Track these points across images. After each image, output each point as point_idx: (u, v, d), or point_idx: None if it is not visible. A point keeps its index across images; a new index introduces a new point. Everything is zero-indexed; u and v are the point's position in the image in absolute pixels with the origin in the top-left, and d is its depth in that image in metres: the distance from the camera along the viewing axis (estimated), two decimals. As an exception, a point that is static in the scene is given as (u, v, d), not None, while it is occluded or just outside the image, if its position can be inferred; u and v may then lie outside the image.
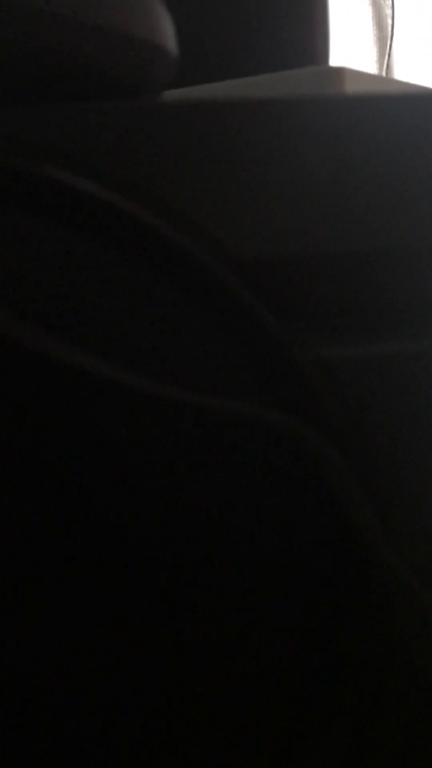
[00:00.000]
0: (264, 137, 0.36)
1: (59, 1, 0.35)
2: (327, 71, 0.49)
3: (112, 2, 0.36)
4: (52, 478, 0.33)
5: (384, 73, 1.22)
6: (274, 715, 0.35)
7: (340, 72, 0.48)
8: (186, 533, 0.34)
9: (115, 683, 0.34)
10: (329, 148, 0.37)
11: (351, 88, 0.48)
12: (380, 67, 1.26)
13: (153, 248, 0.33)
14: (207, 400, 0.32)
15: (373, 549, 0.33)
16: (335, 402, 0.34)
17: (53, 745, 0.34)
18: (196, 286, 0.34)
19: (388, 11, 1.18)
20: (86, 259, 0.33)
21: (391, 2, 1.18)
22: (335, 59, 1.33)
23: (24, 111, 0.34)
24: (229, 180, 0.35)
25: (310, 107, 0.37)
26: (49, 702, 0.33)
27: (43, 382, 0.33)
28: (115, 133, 0.35)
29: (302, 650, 0.35)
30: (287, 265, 0.35)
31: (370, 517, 0.33)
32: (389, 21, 1.24)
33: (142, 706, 0.34)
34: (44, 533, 0.33)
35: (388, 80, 0.47)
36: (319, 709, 0.35)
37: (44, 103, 0.37)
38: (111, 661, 0.34)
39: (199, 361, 0.34)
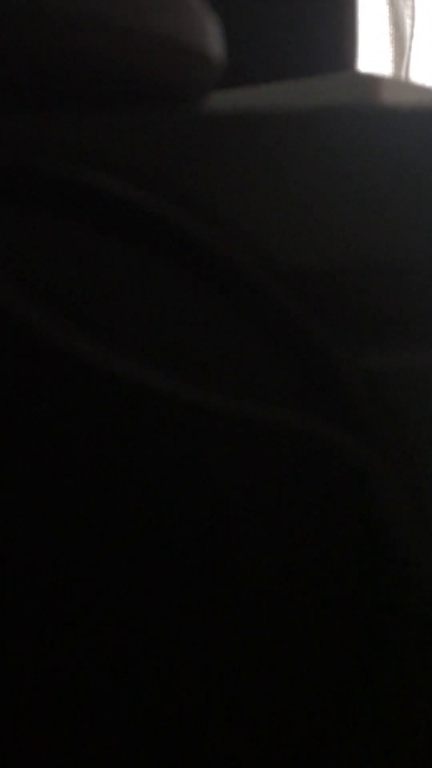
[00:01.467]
0: (312, 148, 0.36)
1: (103, 6, 0.35)
2: (362, 78, 0.49)
3: (159, 6, 0.36)
4: (95, 483, 0.33)
5: (403, 74, 1.22)
6: (309, 721, 0.35)
7: (375, 80, 0.48)
8: (229, 540, 0.34)
9: (152, 690, 0.34)
10: (379, 159, 0.37)
11: (388, 96, 0.48)
12: (397, 68, 1.26)
13: (200, 258, 0.34)
14: (251, 409, 0.33)
15: (414, 559, 0.33)
16: (379, 412, 0.35)
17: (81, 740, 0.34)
18: (243, 296, 0.34)
19: (408, 11, 1.17)
20: (135, 269, 0.34)
21: (411, 2, 1.17)
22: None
23: (72, 118, 0.34)
24: (274, 190, 0.35)
25: (362, 118, 0.37)
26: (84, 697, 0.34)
27: (89, 390, 0.33)
28: (163, 141, 0.35)
29: (338, 658, 0.35)
30: (334, 275, 0.35)
31: (413, 527, 0.33)
32: (408, 21, 1.24)
33: (173, 709, 0.34)
34: (87, 541, 0.33)
35: (426, 90, 0.48)
36: (349, 718, 0.35)
37: (91, 110, 0.37)
38: (147, 671, 0.34)
39: (245, 370, 0.34)
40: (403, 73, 1.23)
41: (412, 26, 1.17)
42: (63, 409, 0.33)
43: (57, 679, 0.33)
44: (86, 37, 0.35)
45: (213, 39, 0.38)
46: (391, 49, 1.34)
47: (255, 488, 0.34)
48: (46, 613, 0.33)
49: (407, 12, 1.20)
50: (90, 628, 0.33)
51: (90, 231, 0.33)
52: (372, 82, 0.48)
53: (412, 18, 1.18)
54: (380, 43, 1.31)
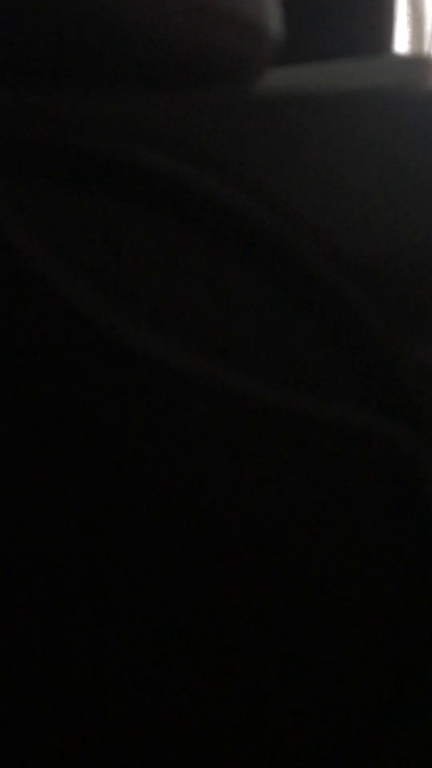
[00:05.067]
0: (366, 129, 0.36)
1: None
2: (409, 61, 0.48)
3: None
4: (141, 475, 0.33)
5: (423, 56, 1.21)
6: (343, 724, 0.35)
7: (424, 62, 0.47)
8: (273, 536, 0.33)
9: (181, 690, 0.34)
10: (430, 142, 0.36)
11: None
12: (415, 49, 1.25)
13: (258, 244, 0.33)
14: (305, 402, 0.32)
15: None
16: None
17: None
18: (300, 284, 0.33)
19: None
20: (193, 256, 0.33)
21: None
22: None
23: (125, 96, 0.34)
24: (334, 176, 0.35)
25: (416, 101, 0.36)
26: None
27: (143, 380, 0.32)
28: (219, 121, 0.34)
29: (379, 661, 0.35)
30: (390, 265, 0.35)
31: None
32: (427, 2, 1.23)
33: (212, 709, 0.34)
34: (127, 538, 0.33)
35: None
36: (385, 724, 0.35)
37: (147, 88, 0.36)
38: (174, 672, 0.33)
39: (299, 362, 0.33)
40: (423, 55, 1.22)
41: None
42: (117, 399, 0.32)
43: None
44: (142, 11, 0.34)
45: (270, 14, 0.37)
46: (409, 30, 1.33)
47: (309, 484, 0.33)
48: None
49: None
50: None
51: (145, 213, 0.33)
52: (418, 63, 0.47)
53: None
54: (399, 24, 1.30)
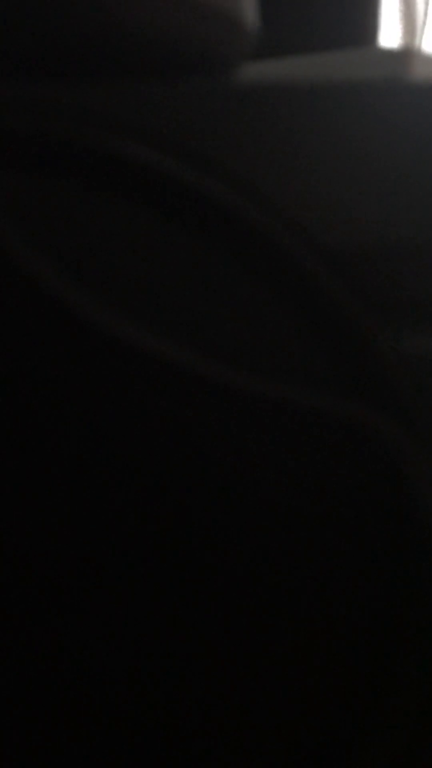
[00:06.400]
0: (347, 122, 0.35)
1: None
2: (391, 53, 0.47)
3: None
4: (132, 467, 0.32)
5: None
6: (330, 711, 0.34)
7: (405, 54, 0.46)
8: (260, 527, 0.33)
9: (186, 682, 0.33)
10: (416, 135, 0.36)
11: (421, 71, 0.47)
12: (408, 43, 1.25)
13: (240, 234, 0.33)
14: (285, 391, 0.32)
15: None
16: (416, 396, 0.34)
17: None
18: (280, 274, 0.33)
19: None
20: (174, 247, 0.33)
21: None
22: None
23: (100, 86, 0.33)
24: (308, 165, 0.34)
25: (397, 93, 0.36)
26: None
27: (120, 369, 0.32)
28: (196, 111, 0.33)
29: (361, 650, 0.34)
30: (370, 255, 0.34)
31: None
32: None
33: (204, 699, 0.34)
34: (120, 527, 0.32)
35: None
36: (375, 712, 0.34)
37: (122, 79, 0.35)
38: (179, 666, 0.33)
39: (278, 350, 0.33)
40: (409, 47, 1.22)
41: (426, 3, 1.16)
42: (96, 387, 0.32)
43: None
44: (118, 2, 0.34)
45: (247, 6, 0.36)
46: (401, 26, 1.32)
47: (291, 473, 0.33)
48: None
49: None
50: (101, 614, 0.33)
51: (121, 201, 0.32)
52: (402, 56, 0.46)
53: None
54: (390, 20, 1.29)
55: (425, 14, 1.18)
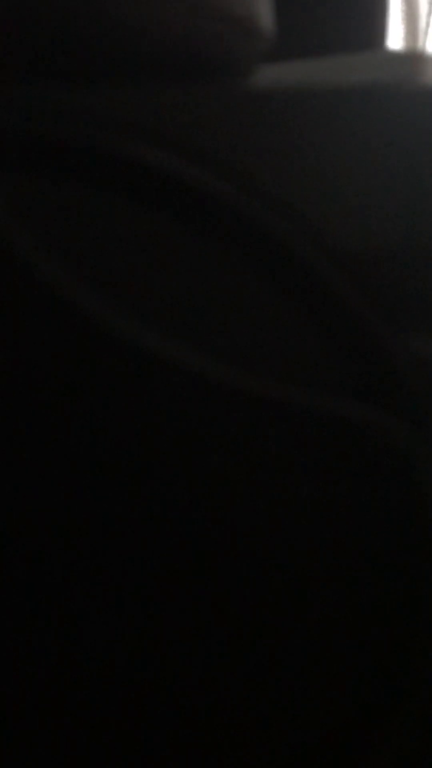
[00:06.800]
0: (358, 125, 0.36)
1: None
2: (402, 56, 0.48)
3: None
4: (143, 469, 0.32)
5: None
6: (337, 712, 0.35)
7: (417, 58, 0.47)
8: (272, 526, 0.33)
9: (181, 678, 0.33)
10: (425, 138, 0.36)
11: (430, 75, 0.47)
12: (410, 46, 1.25)
13: (250, 237, 0.33)
14: (299, 395, 0.32)
15: None
16: (428, 398, 0.34)
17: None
18: (294, 278, 0.33)
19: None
20: (186, 249, 0.33)
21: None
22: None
23: (117, 90, 0.34)
24: (321, 168, 0.35)
25: (408, 96, 0.36)
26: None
27: (131, 372, 0.32)
28: (210, 115, 0.34)
29: (371, 652, 0.34)
30: (380, 258, 0.35)
31: None
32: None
33: (206, 698, 0.34)
34: (127, 529, 0.32)
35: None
36: (381, 713, 0.35)
37: (137, 83, 0.36)
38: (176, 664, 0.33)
39: (293, 356, 0.33)
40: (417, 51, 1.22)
41: (430, 5, 1.16)
42: (110, 392, 0.32)
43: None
44: (135, 7, 0.34)
45: (262, 11, 0.37)
46: (404, 26, 1.32)
47: (304, 475, 0.33)
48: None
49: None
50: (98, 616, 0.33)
51: (136, 206, 0.33)
52: (410, 59, 0.47)
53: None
54: (393, 21, 1.29)
55: (428, 16, 1.18)
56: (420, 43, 1.24)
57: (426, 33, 1.20)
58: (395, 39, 1.33)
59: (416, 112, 0.36)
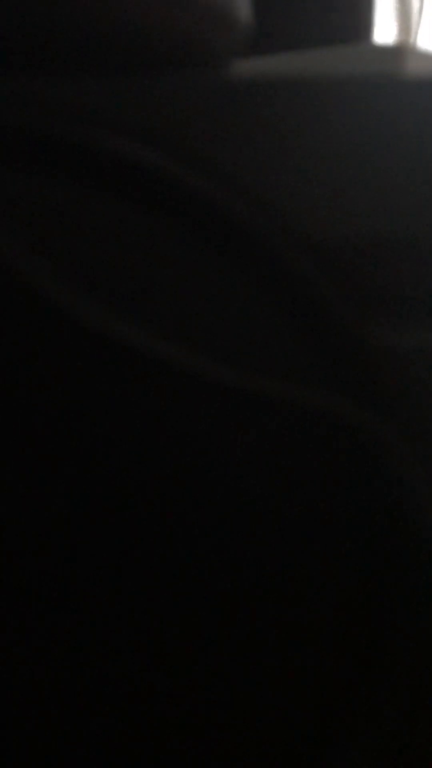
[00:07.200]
0: (339, 117, 0.35)
1: None
2: (384, 49, 0.47)
3: None
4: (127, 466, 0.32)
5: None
6: (308, 712, 0.34)
7: (399, 51, 0.46)
8: (244, 519, 0.33)
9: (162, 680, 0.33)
10: (406, 131, 0.36)
11: (414, 67, 0.47)
12: (403, 41, 1.24)
13: (223, 228, 0.32)
14: (270, 386, 0.32)
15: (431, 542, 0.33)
16: (400, 391, 0.34)
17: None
18: (267, 270, 0.33)
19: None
20: (154, 239, 0.33)
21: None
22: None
23: (90, 81, 0.33)
24: (298, 160, 0.34)
25: (389, 89, 0.36)
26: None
27: (120, 372, 0.32)
28: (187, 106, 0.33)
29: (340, 647, 0.34)
30: (354, 250, 0.34)
31: None
32: (414, -5, 1.22)
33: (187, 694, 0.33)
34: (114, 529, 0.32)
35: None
36: (354, 709, 0.34)
37: (112, 73, 0.35)
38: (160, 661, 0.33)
39: (262, 345, 0.33)
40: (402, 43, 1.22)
41: (421, 0, 1.15)
42: (93, 388, 0.32)
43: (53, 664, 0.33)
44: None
45: (240, 2, 0.36)
46: (396, 24, 1.32)
47: (274, 467, 0.33)
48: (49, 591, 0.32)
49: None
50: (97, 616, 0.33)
51: (109, 198, 0.32)
52: (395, 52, 0.46)
53: (420, -8, 1.16)
54: (385, 17, 1.29)
55: (420, 11, 1.18)
56: (412, 39, 1.23)
57: (418, 28, 1.20)
58: (388, 35, 1.32)
59: (401, 104, 0.36)
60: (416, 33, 1.21)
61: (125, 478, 0.32)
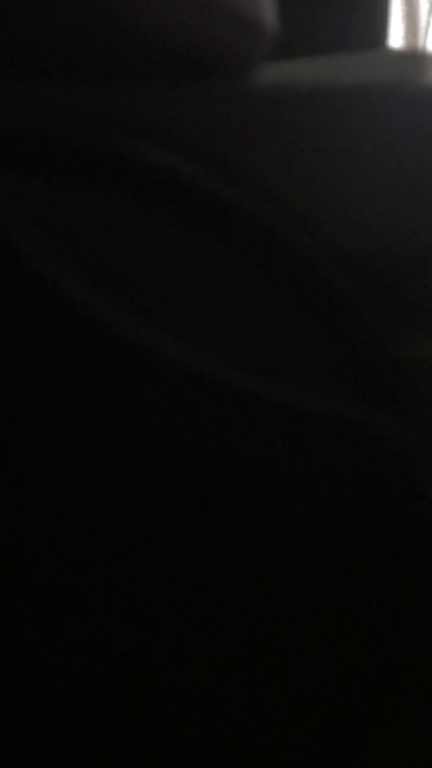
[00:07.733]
0: (363, 125, 0.36)
1: None
2: (405, 56, 0.48)
3: None
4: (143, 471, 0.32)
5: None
6: (332, 715, 0.35)
7: (420, 57, 0.47)
8: (270, 527, 0.33)
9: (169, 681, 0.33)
10: (429, 139, 0.36)
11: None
12: (410, 45, 1.25)
13: (254, 238, 0.33)
14: (299, 396, 0.32)
15: None
16: (429, 400, 0.34)
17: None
18: (295, 278, 0.33)
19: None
20: (189, 250, 0.33)
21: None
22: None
23: (118, 89, 0.33)
24: (324, 169, 0.35)
25: (411, 96, 0.36)
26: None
27: (135, 373, 0.32)
28: (213, 114, 0.34)
29: (364, 654, 0.34)
30: (385, 259, 0.35)
31: None
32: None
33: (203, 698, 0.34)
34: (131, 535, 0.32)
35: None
36: (376, 714, 0.35)
37: (138, 81, 0.36)
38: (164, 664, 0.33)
39: (292, 355, 0.33)
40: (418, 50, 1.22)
41: (430, 3, 1.16)
42: (113, 395, 0.32)
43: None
44: (140, 6, 0.34)
45: (265, 8, 0.37)
46: (403, 26, 1.32)
47: (303, 477, 0.33)
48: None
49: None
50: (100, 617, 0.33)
51: (140, 206, 0.32)
52: (412, 58, 0.47)
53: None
54: (393, 21, 1.29)
55: (428, 14, 1.18)
56: (420, 42, 1.24)
57: (426, 32, 1.20)
58: (395, 37, 1.33)
59: (418, 111, 0.36)
60: (424, 35, 1.21)
61: (143, 485, 0.32)
